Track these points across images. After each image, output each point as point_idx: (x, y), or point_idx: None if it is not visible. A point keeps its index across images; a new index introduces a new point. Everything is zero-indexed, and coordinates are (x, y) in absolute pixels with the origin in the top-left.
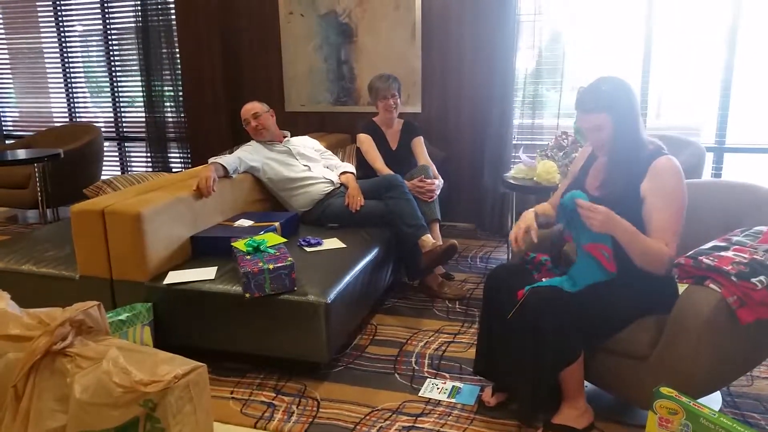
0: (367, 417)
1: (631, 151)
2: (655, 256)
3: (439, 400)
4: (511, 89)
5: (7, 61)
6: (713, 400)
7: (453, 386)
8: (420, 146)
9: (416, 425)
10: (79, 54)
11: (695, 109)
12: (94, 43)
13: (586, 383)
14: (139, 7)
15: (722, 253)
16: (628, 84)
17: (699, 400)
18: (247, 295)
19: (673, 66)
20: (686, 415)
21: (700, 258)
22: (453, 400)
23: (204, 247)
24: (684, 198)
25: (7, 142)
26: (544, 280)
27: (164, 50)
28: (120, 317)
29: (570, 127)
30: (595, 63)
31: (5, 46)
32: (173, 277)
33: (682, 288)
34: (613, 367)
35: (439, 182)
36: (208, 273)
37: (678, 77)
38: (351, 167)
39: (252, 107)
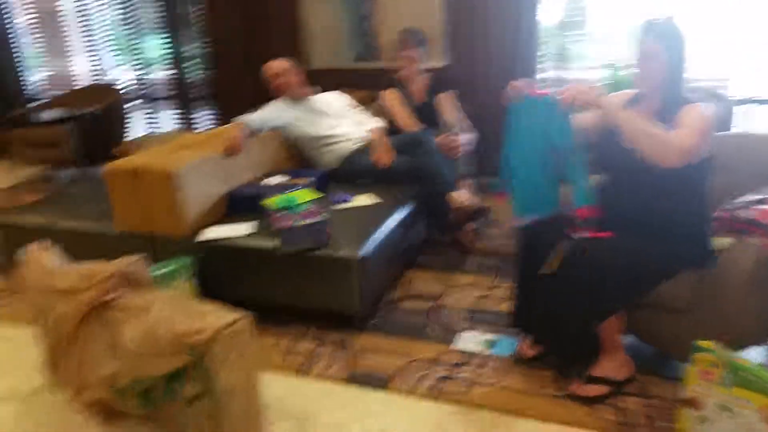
0: (405, 366)
1: (677, 95)
2: (663, 141)
3: (475, 352)
4: (536, 40)
5: (30, 23)
6: (753, 355)
7: (488, 339)
8: (446, 101)
9: (453, 375)
10: (102, 14)
11: (724, 60)
12: (118, 3)
13: (627, 335)
14: None
15: (760, 207)
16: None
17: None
18: (283, 250)
19: (703, 16)
20: (727, 367)
21: (738, 212)
22: (490, 352)
23: (239, 204)
24: (707, 130)
25: (28, 105)
26: (582, 233)
27: (190, 8)
28: (163, 271)
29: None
30: (623, 14)
31: (27, 8)
32: (208, 233)
33: (719, 242)
34: (653, 320)
35: (464, 138)
36: (243, 229)
37: (709, 27)
38: (381, 122)
39: (272, 65)
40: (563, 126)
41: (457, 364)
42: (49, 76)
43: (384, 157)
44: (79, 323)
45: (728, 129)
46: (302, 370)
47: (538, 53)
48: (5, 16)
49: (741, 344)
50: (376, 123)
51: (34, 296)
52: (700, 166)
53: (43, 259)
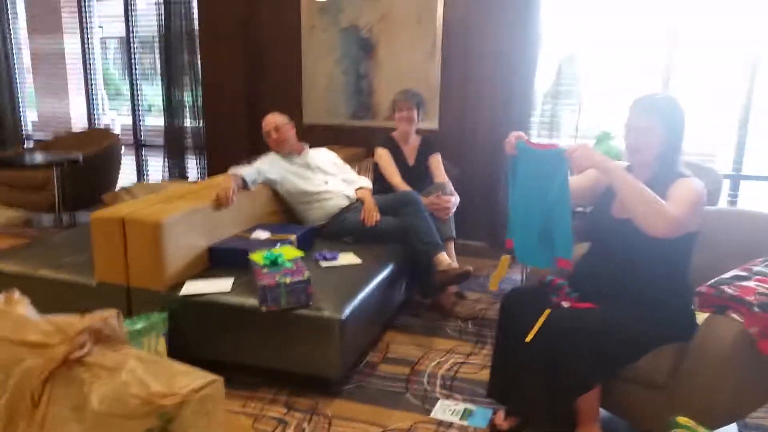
0: None
1: (672, 169)
2: (656, 208)
3: (451, 422)
4: (530, 108)
5: (30, 64)
6: None
7: (465, 408)
8: (437, 163)
9: None
10: (100, 59)
11: (712, 135)
12: (116, 49)
13: (601, 410)
14: (163, 14)
15: (744, 283)
16: (683, 110)
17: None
18: (263, 309)
19: (691, 92)
20: None
21: (722, 287)
22: (465, 423)
23: (221, 258)
24: (698, 206)
25: (25, 145)
26: (563, 303)
27: (186, 58)
28: (136, 326)
29: None
30: (614, 86)
31: (27, 49)
32: (189, 287)
33: (701, 317)
34: (630, 395)
35: (455, 200)
36: (225, 285)
37: (696, 103)
38: (368, 182)
39: (273, 119)
40: (564, 182)
41: None
42: (47, 117)
43: (371, 216)
44: (45, 380)
45: (716, 203)
46: None
47: (531, 120)
48: (10, 56)
49: (717, 421)
50: (364, 182)
51: None
52: (686, 239)
53: (14, 309)
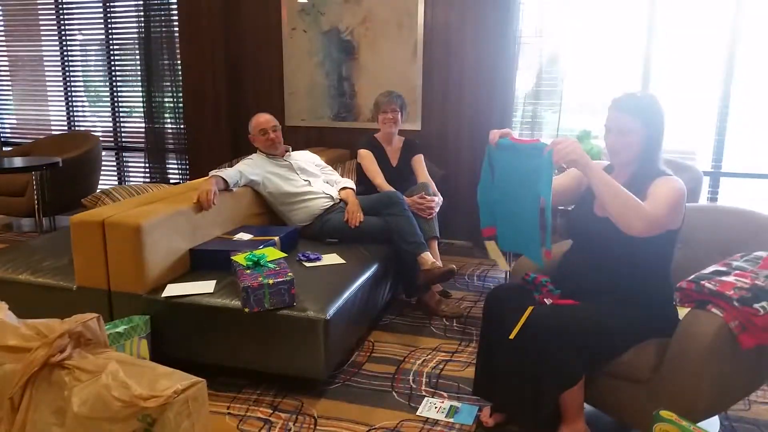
0: None
1: (653, 168)
2: (634, 208)
3: (437, 420)
4: (511, 109)
5: (7, 68)
6: (711, 424)
7: (451, 405)
8: (420, 163)
9: None
10: (79, 62)
11: (691, 133)
12: (95, 52)
13: (585, 405)
14: (142, 17)
15: (723, 278)
16: (663, 108)
17: (697, 424)
18: (246, 310)
19: (670, 91)
20: None
21: (702, 282)
22: (451, 420)
23: (203, 260)
24: (678, 205)
25: (4, 149)
26: (546, 300)
27: (166, 61)
28: (117, 329)
29: None
30: (594, 86)
31: (5, 53)
32: (172, 289)
33: (682, 312)
34: (613, 389)
35: (438, 200)
36: (207, 286)
37: (675, 102)
38: (351, 183)
39: (271, 119)
40: (548, 177)
41: None
42: (25, 121)
43: (355, 216)
44: (26, 384)
45: (697, 200)
46: None
47: (512, 120)
48: None
49: (699, 415)
50: (347, 183)
51: None
52: (667, 237)
53: None
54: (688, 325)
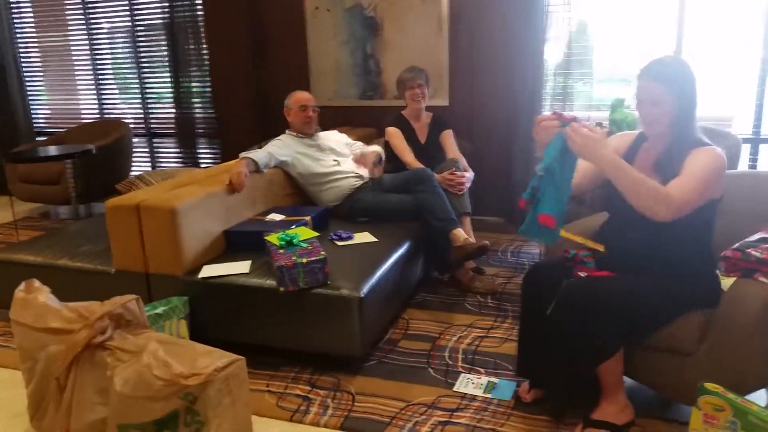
0: (403, 411)
1: (689, 136)
2: (654, 197)
3: (475, 395)
4: (541, 81)
5: (39, 59)
6: (757, 398)
7: (488, 381)
8: (449, 139)
9: (452, 420)
10: (107, 51)
11: (729, 99)
12: (122, 40)
13: (626, 378)
14: (167, 3)
15: None
16: (694, 72)
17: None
18: (281, 289)
19: (706, 55)
20: (734, 412)
21: (748, 250)
22: (489, 395)
23: (237, 242)
24: (712, 180)
25: (39, 138)
26: (580, 274)
27: (192, 46)
28: (156, 311)
29: (602, 119)
30: (626, 53)
31: (36, 45)
32: (208, 271)
33: (725, 282)
34: (656, 362)
35: (469, 175)
36: (242, 267)
37: (711, 66)
38: (379, 149)
39: (312, 98)
40: (554, 149)
41: (456, 409)
42: (58, 111)
43: (371, 169)
44: (70, 365)
45: (735, 167)
46: (296, 416)
47: (543, 92)
48: (17, 50)
49: (748, 387)
50: (374, 148)
51: (24, 336)
52: (709, 206)
53: (35, 298)
54: (735, 295)
